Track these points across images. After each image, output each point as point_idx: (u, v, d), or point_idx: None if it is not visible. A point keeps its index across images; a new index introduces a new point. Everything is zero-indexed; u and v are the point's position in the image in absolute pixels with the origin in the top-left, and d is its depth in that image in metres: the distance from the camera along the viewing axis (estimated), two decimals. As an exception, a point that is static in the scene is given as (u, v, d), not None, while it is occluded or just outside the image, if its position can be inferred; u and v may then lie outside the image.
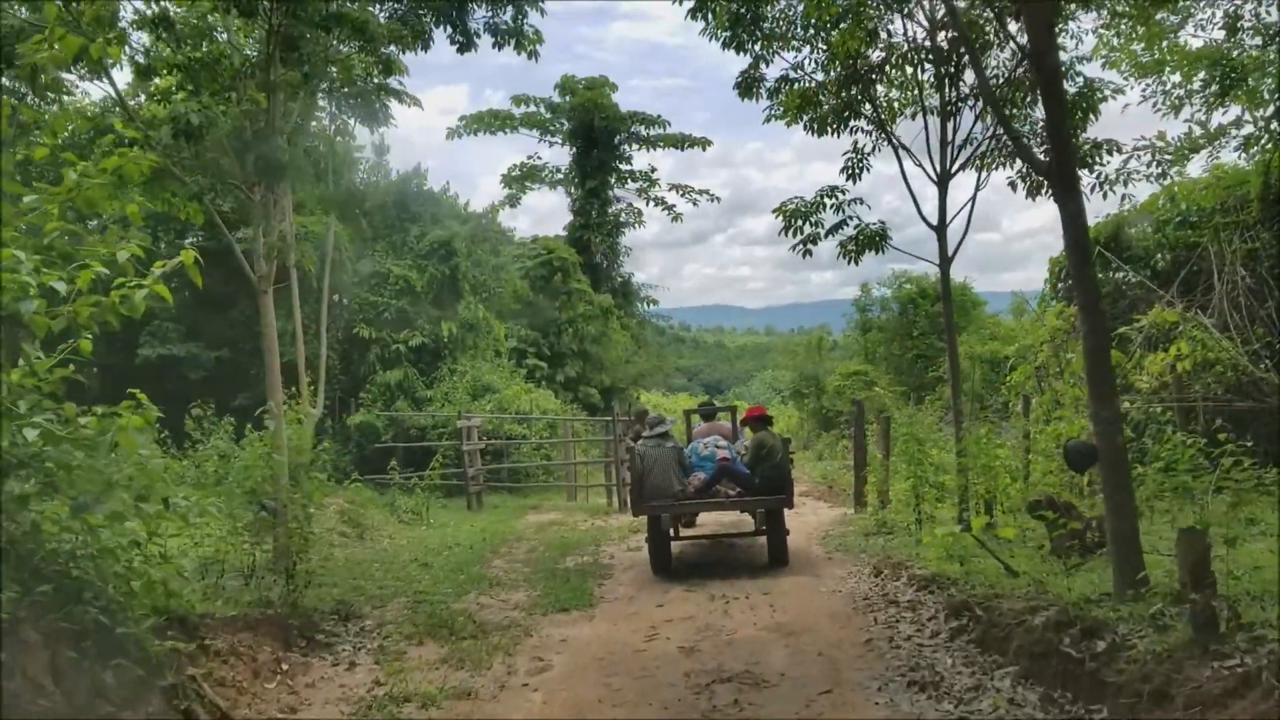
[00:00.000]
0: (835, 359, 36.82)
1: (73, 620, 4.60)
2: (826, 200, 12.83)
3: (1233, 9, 13.22)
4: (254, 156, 9.66)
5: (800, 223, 12.84)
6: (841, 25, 12.04)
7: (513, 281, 26.67)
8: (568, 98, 33.96)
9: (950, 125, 12.19)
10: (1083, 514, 8.60)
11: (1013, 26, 10.87)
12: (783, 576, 10.28)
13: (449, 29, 12.46)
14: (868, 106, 12.84)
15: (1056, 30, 8.97)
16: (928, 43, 12.08)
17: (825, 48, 12.65)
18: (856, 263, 13.00)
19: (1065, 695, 5.22)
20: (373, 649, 7.88)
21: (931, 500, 12.41)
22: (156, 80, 11.52)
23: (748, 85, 13.34)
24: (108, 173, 5.35)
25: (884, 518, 13.18)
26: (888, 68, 12.56)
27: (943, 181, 12.34)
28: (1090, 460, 6.85)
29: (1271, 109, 13.11)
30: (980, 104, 11.77)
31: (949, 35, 11.45)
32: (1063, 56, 11.65)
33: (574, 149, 34.43)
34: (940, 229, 12.35)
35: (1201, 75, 13.60)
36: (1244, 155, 14.28)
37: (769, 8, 12.60)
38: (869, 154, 13.03)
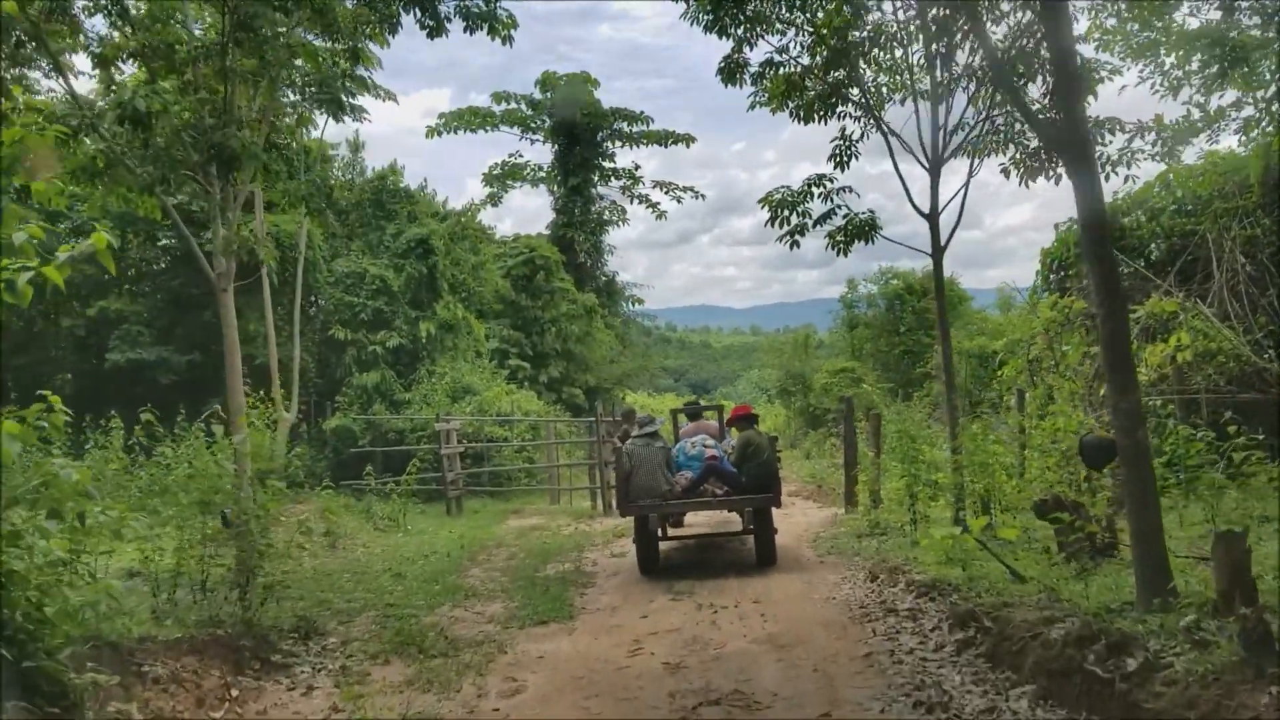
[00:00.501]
0: (821, 357, 36.42)
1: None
2: (814, 189, 12.34)
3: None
4: (207, 145, 9.06)
5: (787, 213, 12.37)
6: (828, 4, 11.54)
7: (493, 280, 26.09)
8: (549, 94, 33.40)
9: (942, 109, 11.69)
10: (1092, 514, 8.08)
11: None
12: (773, 583, 9.75)
13: (418, 12, 11.87)
14: (855, 91, 12.35)
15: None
16: (917, 20, 11.58)
17: (811, 30, 12.16)
18: (845, 254, 12.51)
19: (1092, 720, 4.70)
20: (334, 670, 7.31)
21: (925, 499, 11.92)
22: (120, 70, 10.98)
23: (731, 71, 12.81)
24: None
25: (877, 518, 12.69)
26: (875, 49, 12.06)
27: (935, 168, 11.86)
28: (1108, 456, 6.35)
29: (1273, 89, 12.63)
30: (974, 85, 11.29)
31: (941, 11, 10.94)
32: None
33: (556, 146, 33.86)
34: (932, 217, 11.88)
35: (1199, 57, 13.11)
36: (1244, 138, 13.79)
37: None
38: (858, 141, 12.56)
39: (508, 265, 27.61)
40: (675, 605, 9.05)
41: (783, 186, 12.55)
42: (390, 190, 23.29)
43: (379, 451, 19.73)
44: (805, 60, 12.43)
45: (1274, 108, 13.00)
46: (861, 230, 12.35)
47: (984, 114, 11.51)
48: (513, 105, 33.87)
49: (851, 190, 12.21)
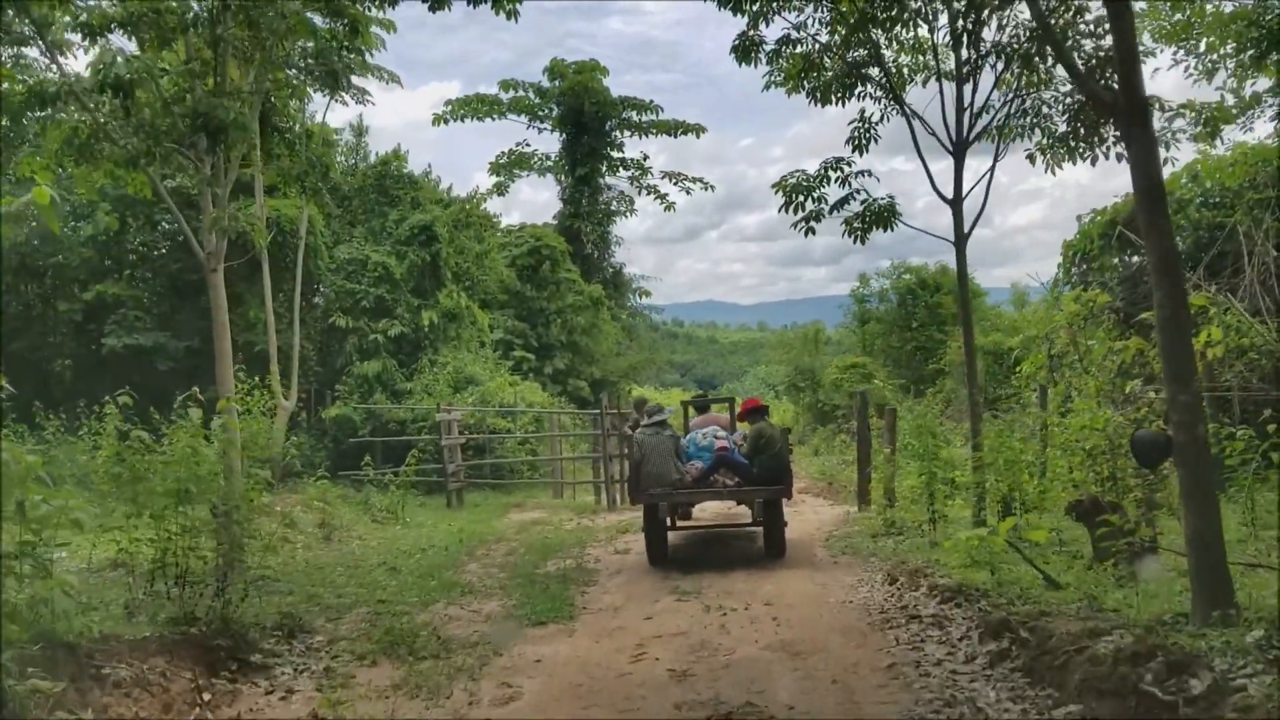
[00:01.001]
0: (830, 353, 35.92)
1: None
2: (831, 173, 11.80)
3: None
4: (194, 115, 8.57)
5: (802, 198, 11.82)
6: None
7: (498, 269, 25.56)
8: (557, 82, 32.85)
9: (967, 89, 11.15)
10: (1130, 516, 7.56)
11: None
12: (786, 584, 9.24)
13: (419, -18, 11.36)
14: (876, 70, 11.81)
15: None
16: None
17: (830, 5, 11.62)
18: (863, 241, 11.98)
19: (1151, 748, 4.19)
20: (317, 671, 6.83)
21: (942, 498, 11.41)
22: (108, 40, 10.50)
23: (745, 49, 12.27)
24: None
25: (892, 517, 12.18)
26: (898, 27, 11.51)
27: (959, 151, 11.32)
28: (1163, 454, 5.82)
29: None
30: (1002, 63, 10.74)
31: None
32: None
33: (564, 135, 33.32)
34: (955, 202, 11.34)
35: (1232, 43, 12.56)
36: (1278, 126, 13.23)
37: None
38: (878, 123, 12.02)
39: (513, 255, 27.09)
40: (681, 606, 8.55)
41: (797, 170, 12.02)
42: (394, 176, 22.78)
43: (379, 442, 19.26)
44: (824, 38, 11.89)
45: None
46: (880, 217, 11.82)
47: (1011, 94, 10.96)
48: (520, 93, 33.31)
49: (871, 174, 11.68)
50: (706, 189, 36.06)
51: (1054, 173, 11.77)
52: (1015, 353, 23.67)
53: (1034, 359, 17.51)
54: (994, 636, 6.03)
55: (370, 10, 11.22)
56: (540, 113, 33.69)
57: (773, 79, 12.52)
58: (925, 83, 12.39)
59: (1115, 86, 5.87)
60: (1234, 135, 15.22)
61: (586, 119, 32.25)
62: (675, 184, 35.43)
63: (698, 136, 34.69)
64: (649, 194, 35.06)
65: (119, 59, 8.01)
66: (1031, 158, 11.82)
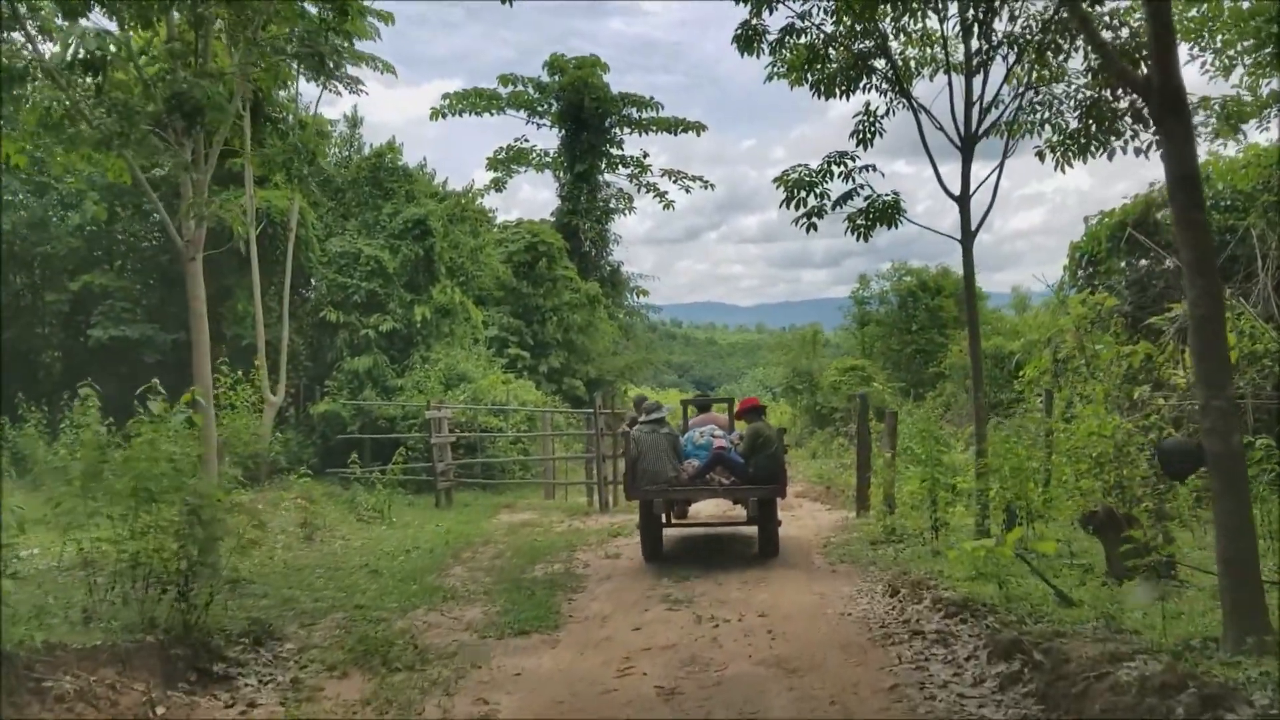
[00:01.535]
0: (829, 355, 35.55)
1: None
2: (834, 168, 11.42)
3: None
4: (169, 95, 8.16)
5: (804, 194, 11.43)
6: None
7: (493, 265, 25.14)
8: (557, 77, 32.44)
9: (977, 81, 10.76)
10: (1146, 529, 7.16)
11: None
12: (781, 593, 8.84)
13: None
14: (882, 62, 11.43)
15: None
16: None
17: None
18: (866, 238, 11.62)
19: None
20: (284, 683, 6.43)
21: (943, 505, 11.03)
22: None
23: (748, 39, 11.87)
24: None
25: (892, 523, 11.78)
26: (906, 16, 11.12)
27: (967, 146, 10.94)
28: (1194, 464, 5.43)
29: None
30: (1015, 54, 10.36)
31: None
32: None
33: (563, 131, 32.90)
34: (963, 199, 10.95)
35: (1250, 39, 12.17)
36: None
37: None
38: (883, 116, 11.64)
39: (509, 251, 26.67)
40: (672, 616, 8.16)
41: (800, 165, 11.65)
42: (388, 168, 22.35)
43: (368, 439, 18.85)
44: (829, 28, 11.50)
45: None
46: (885, 214, 11.44)
47: (1023, 87, 10.58)
48: (519, 88, 32.90)
49: (875, 169, 11.29)
50: (706, 187, 35.69)
51: (1064, 171, 11.39)
52: (1017, 357, 23.38)
53: (1038, 363, 17.12)
54: (1004, 657, 5.63)
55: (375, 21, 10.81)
56: (539, 108, 33.28)
57: (775, 70, 12.13)
58: (933, 76, 12.04)
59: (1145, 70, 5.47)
60: (1250, 135, 14.83)
61: (586, 115, 31.84)
62: (675, 182, 35.07)
63: (698, 134, 34.33)
64: (649, 192, 34.68)
65: (89, 34, 7.60)
66: (1041, 155, 11.45)
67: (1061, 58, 10.90)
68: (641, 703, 5.82)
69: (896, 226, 11.50)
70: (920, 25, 11.40)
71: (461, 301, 22.24)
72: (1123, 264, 16.40)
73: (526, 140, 33.89)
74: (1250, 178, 14.31)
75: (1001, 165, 11.09)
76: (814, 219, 11.52)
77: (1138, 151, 9.68)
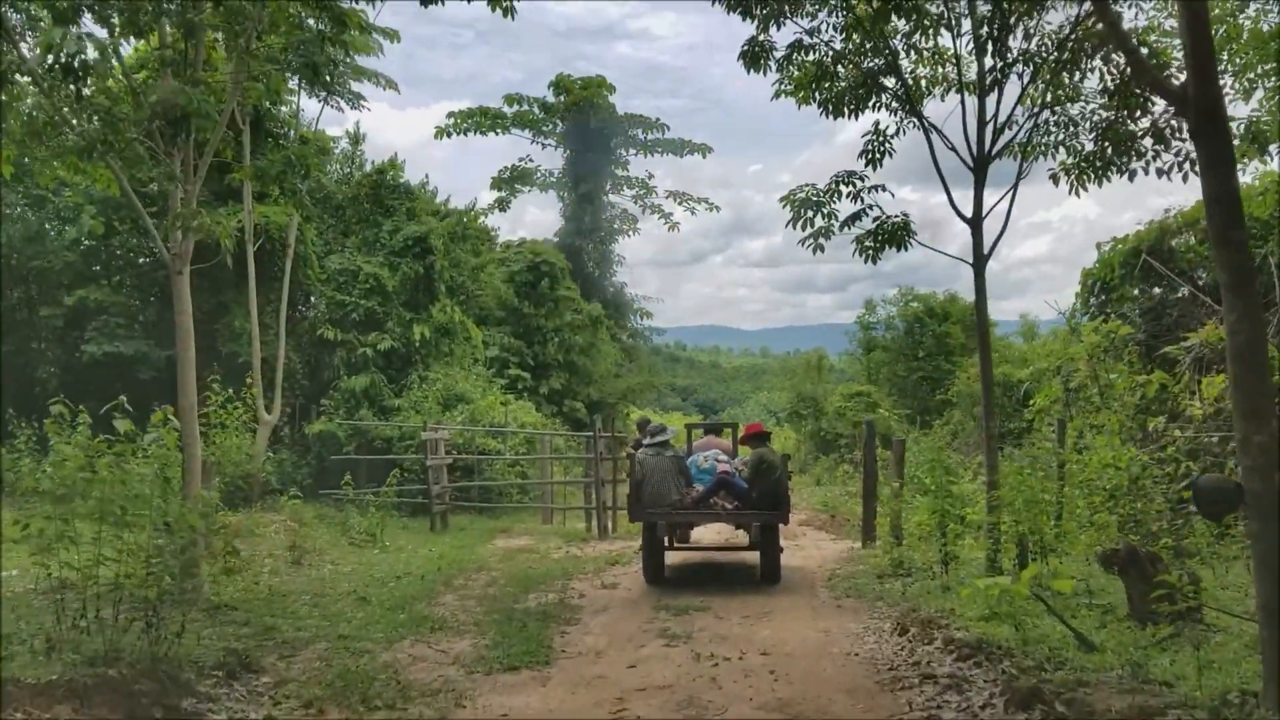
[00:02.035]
0: (833, 381, 35.23)
1: None
2: (842, 187, 11.12)
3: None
4: (153, 101, 7.87)
5: (810, 214, 11.12)
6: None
7: (494, 284, 24.83)
8: (562, 97, 32.27)
9: (991, 100, 10.48)
10: (1170, 569, 6.79)
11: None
12: (785, 630, 8.45)
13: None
14: (892, 80, 11.15)
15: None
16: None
17: (845, 9, 10.96)
18: (875, 261, 11.29)
19: None
20: (256, 720, 6.05)
21: (953, 538, 10.65)
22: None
23: (755, 56, 11.61)
24: None
25: (899, 556, 11.39)
26: (918, 34, 10.84)
27: (979, 167, 10.63)
28: (1231, 504, 5.04)
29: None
30: (1030, 72, 10.06)
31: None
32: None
33: (567, 151, 32.72)
34: (975, 222, 10.63)
35: (1272, 62, 11.86)
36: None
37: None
38: (893, 136, 11.35)
39: (511, 270, 26.38)
40: (670, 652, 7.77)
41: (807, 184, 11.35)
42: (389, 186, 22.09)
43: (364, 460, 18.49)
44: (838, 44, 11.23)
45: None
46: (894, 235, 11.14)
47: (1037, 107, 10.29)
48: (524, 108, 32.73)
49: (885, 189, 10.99)
50: (711, 209, 35.49)
51: (1078, 194, 11.06)
52: (1026, 385, 23.02)
53: (1048, 391, 16.80)
54: (1023, 707, 5.24)
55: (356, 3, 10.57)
56: (544, 128, 33.11)
57: (783, 88, 11.87)
58: (944, 96, 11.75)
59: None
60: (1258, 166, 14.49)
61: (591, 135, 31.66)
62: (680, 203, 34.85)
63: (704, 156, 34.19)
64: (654, 213, 34.43)
65: (70, 37, 7.31)
66: (1055, 178, 11.12)
67: (1078, 78, 10.63)
68: (634, 750, 5.44)
69: (906, 248, 11.19)
70: (932, 43, 11.12)
71: (461, 321, 21.92)
72: (1136, 291, 16.06)
73: (531, 160, 33.73)
74: (1268, 205, 13.99)
75: (1015, 187, 10.79)
76: (821, 240, 11.21)
77: (1160, 172, 9.35)
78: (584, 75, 32.56)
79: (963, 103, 10.60)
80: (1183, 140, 9.10)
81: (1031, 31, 10.25)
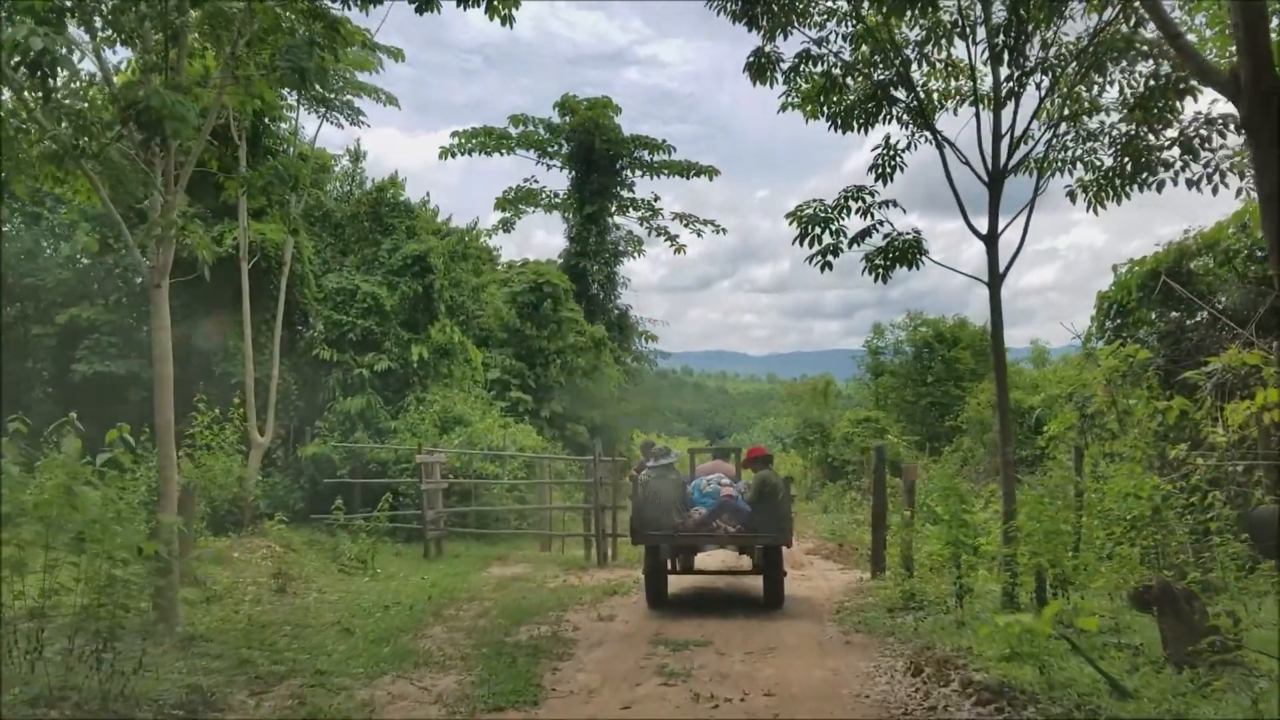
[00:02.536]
0: (841, 407, 34.71)
1: None
2: (851, 203, 10.70)
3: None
4: (125, 102, 7.46)
5: (819, 230, 10.69)
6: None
7: (495, 305, 24.39)
8: (568, 118, 31.99)
9: (1007, 112, 10.06)
10: (1205, 608, 6.27)
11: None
12: (790, 668, 7.93)
13: (403, -21, 10.35)
14: (903, 92, 10.74)
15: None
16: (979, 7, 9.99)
17: (855, 19, 10.58)
18: (885, 279, 10.86)
19: None
20: (213, 769, 5.56)
21: (966, 570, 10.13)
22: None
23: (760, 67, 11.24)
24: None
25: (911, 588, 10.85)
26: (931, 44, 10.44)
27: (995, 181, 10.21)
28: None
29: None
30: (1049, 79, 9.64)
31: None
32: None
33: (573, 172, 32.41)
34: (991, 238, 10.19)
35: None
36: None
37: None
38: (904, 150, 10.94)
39: (513, 291, 25.96)
40: (667, 692, 7.26)
41: (814, 200, 10.92)
42: (389, 203, 21.72)
43: (358, 484, 18.00)
44: (846, 55, 10.84)
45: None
46: (905, 253, 10.69)
47: (1058, 116, 9.87)
48: (530, 128, 32.45)
49: (896, 204, 10.55)
50: (718, 231, 35.07)
51: (1095, 212, 10.62)
52: (1037, 412, 22.49)
53: (1063, 418, 16.27)
54: (1054, 763, 4.73)
55: (347, 10, 10.20)
56: (550, 148, 32.82)
57: (790, 100, 11.48)
58: (957, 109, 11.35)
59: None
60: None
61: (597, 156, 31.35)
62: (686, 225, 34.45)
63: (710, 179, 33.87)
64: (659, 235, 34.05)
65: (33, 31, 6.91)
66: (1072, 195, 10.69)
67: (1096, 90, 10.21)
68: (623, 807, 4.93)
69: (918, 266, 10.75)
70: (945, 54, 10.71)
71: (461, 341, 21.47)
72: (1153, 315, 15.56)
73: (536, 181, 33.42)
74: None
75: (1032, 204, 10.35)
76: (829, 257, 10.78)
77: (1190, 183, 8.88)
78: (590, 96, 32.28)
79: (977, 115, 10.18)
80: (1212, 151, 8.63)
81: (1050, 41, 9.85)
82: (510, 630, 9.74)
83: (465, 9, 10.72)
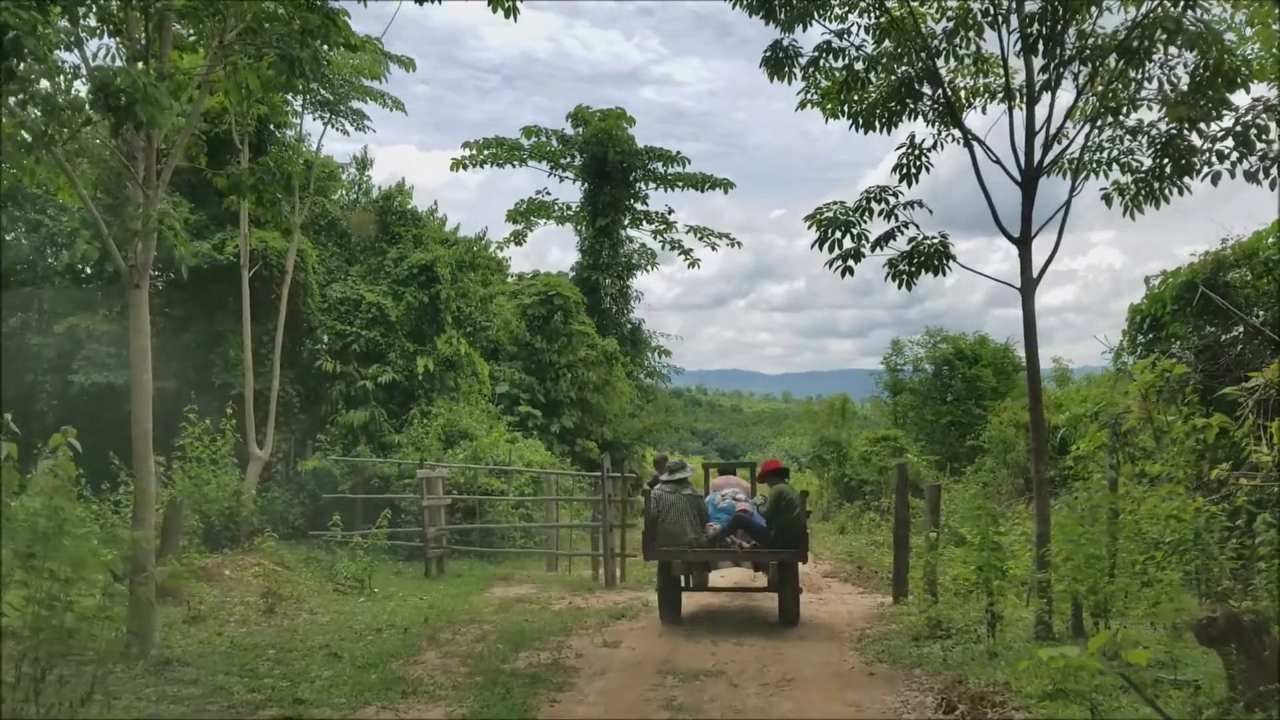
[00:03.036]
0: (858, 427, 33.96)
1: None
2: (874, 205, 10.11)
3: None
4: (95, 85, 6.95)
5: (839, 234, 10.09)
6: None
7: (504, 316, 23.83)
8: (581, 129, 31.51)
9: (1041, 107, 9.46)
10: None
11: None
12: (809, 704, 7.28)
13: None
14: (929, 88, 10.16)
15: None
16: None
17: (880, 10, 10.01)
18: (910, 286, 10.28)
19: None
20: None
21: (997, 594, 9.46)
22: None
23: (778, 61, 10.69)
24: None
25: (936, 614, 10.16)
26: (959, 36, 9.85)
27: (1028, 182, 9.62)
28: None
29: None
30: (1087, 69, 9.04)
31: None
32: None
33: (586, 184, 31.90)
34: (1023, 241, 9.59)
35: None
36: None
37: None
38: (930, 149, 10.35)
39: (522, 303, 25.39)
40: (674, 730, 6.62)
41: (834, 202, 10.34)
42: (395, 212, 21.23)
43: (359, 499, 17.45)
44: (869, 49, 10.26)
45: None
46: (930, 259, 10.08)
47: (1093, 113, 9.27)
48: (542, 139, 31.97)
49: (922, 205, 9.95)
50: (733, 245, 34.48)
51: (1133, 216, 10.03)
52: (1061, 431, 21.73)
53: (1094, 437, 15.54)
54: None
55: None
56: (563, 160, 32.35)
57: (808, 97, 10.92)
58: (985, 108, 10.78)
59: None
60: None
61: (610, 168, 30.82)
62: (701, 238, 33.86)
63: (725, 192, 33.32)
64: (673, 248, 33.48)
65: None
66: (1108, 198, 10.08)
67: (1133, 88, 9.59)
68: None
69: (945, 273, 10.13)
70: (974, 47, 10.11)
71: (468, 354, 20.90)
72: (1189, 328, 14.86)
73: (548, 193, 32.93)
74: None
75: (1068, 205, 9.75)
76: (850, 262, 10.17)
77: (1248, 176, 8.25)
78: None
79: (1009, 111, 9.59)
80: (1269, 142, 8.00)
81: (1086, 31, 9.25)
82: (508, 657, 9.11)
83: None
